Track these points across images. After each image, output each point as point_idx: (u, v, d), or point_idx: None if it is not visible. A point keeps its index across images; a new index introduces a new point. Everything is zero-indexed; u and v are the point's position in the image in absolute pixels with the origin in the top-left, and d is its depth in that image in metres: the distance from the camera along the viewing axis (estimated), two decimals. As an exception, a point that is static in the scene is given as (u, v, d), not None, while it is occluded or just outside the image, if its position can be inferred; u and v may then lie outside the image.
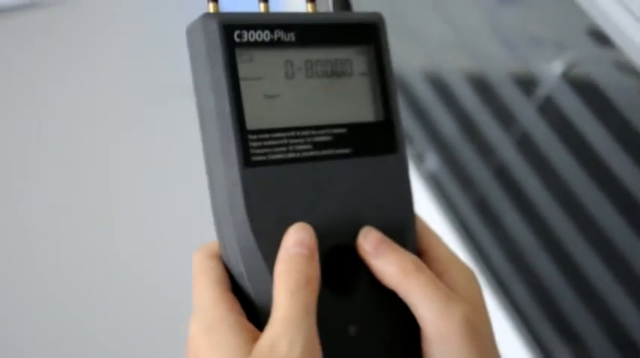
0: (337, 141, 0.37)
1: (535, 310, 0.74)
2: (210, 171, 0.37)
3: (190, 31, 0.36)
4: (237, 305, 0.35)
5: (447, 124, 0.83)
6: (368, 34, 0.38)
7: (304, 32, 0.37)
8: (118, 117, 1.00)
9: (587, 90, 0.68)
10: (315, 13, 0.38)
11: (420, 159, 0.87)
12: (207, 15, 0.35)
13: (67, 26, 1.09)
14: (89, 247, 0.87)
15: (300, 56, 0.37)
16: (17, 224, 0.88)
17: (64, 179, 0.92)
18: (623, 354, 0.67)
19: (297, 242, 0.34)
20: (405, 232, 0.37)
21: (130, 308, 0.83)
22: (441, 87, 0.84)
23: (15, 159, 0.93)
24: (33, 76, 1.02)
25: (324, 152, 0.36)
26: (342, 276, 0.36)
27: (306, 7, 0.39)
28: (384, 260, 0.36)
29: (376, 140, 0.38)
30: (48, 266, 0.85)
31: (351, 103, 0.38)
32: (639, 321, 0.65)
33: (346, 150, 0.37)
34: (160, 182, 0.95)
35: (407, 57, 0.87)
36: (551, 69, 0.71)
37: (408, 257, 0.36)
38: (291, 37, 0.36)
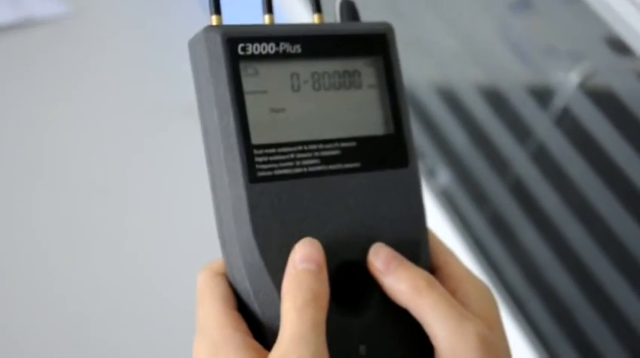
0: (346, 156, 0.37)
1: (552, 328, 0.73)
2: (214, 188, 0.37)
3: (193, 45, 0.36)
4: (243, 325, 0.35)
5: (459, 138, 0.83)
6: (377, 45, 0.38)
7: (310, 44, 0.37)
8: (120, 135, 1.01)
9: (605, 100, 0.68)
10: (321, 24, 0.39)
11: (431, 175, 0.87)
12: (209, 27, 0.36)
13: (63, 43, 1.10)
14: (94, 263, 0.87)
15: (306, 68, 0.37)
16: (26, 241, 0.89)
17: (67, 196, 0.93)
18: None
19: (304, 257, 0.34)
20: (417, 248, 0.37)
21: (134, 326, 0.83)
22: (452, 100, 0.84)
23: (19, 176, 0.94)
24: (32, 95, 1.03)
25: (332, 166, 0.37)
26: (352, 294, 0.36)
27: (313, 18, 0.39)
28: (396, 277, 0.35)
29: (386, 153, 0.38)
30: (60, 282, 0.85)
31: (359, 116, 0.38)
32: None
33: (355, 165, 0.37)
34: (162, 200, 0.95)
35: (417, 69, 0.88)
36: (568, 79, 0.71)
37: (420, 274, 0.36)
38: (297, 48, 0.37)
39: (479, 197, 0.81)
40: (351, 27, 0.38)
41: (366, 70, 0.38)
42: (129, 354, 0.81)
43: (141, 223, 0.93)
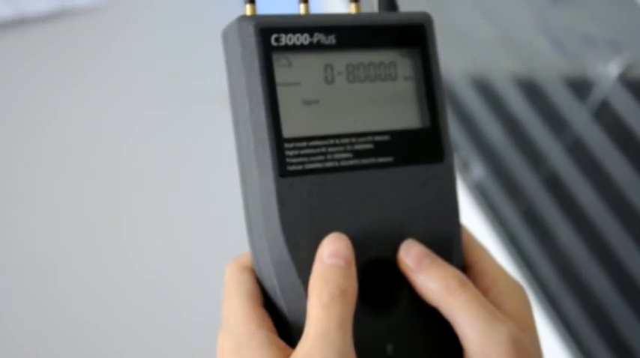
0: (379, 150, 0.37)
1: (587, 327, 0.72)
2: (244, 181, 0.37)
3: (226, 35, 0.36)
4: (268, 322, 0.35)
5: (494, 131, 0.82)
6: (414, 36, 0.38)
7: (345, 34, 0.37)
8: (149, 125, 1.02)
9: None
10: (357, 14, 0.38)
11: (465, 168, 0.86)
12: (243, 17, 0.36)
13: (96, 34, 1.11)
14: (110, 256, 0.88)
15: (341, 60, 0.37)
16: (42, 234, 0.89)
17: (92, 185, 0.94)
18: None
19: (332, 253, 0.34)
20: (450, 245, 0.37)
21: (150, 322, 0.84)
22: (487, 91, 0.83)
23: (40, 166, 0.95)
24: (61, 86, 1.03)
25: (364, 161, 0.36)
26: (380, 292, 0.36)
27: (349, 7, 0.39)
28: (427, 275, 0.35)
29: (421, 148, 0.37)
30: (75, 275, 0.86)
31: (394, 109, 0.37)
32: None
33: (389, 159, 0.37)
34: (190, 191, 0.96)
35: (451, 60, 0.87)
36: (607, 71, 0.70)
37: (452, 272, 0.35)
38: (331, 39, 0.36)
39: (513, 191, 0.80)
40: (389, 17, 0.38)
41: (402, 61, 0.38)
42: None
43: (166, 214, 0.93)
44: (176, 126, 1.02)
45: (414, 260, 0.35)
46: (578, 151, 0.73)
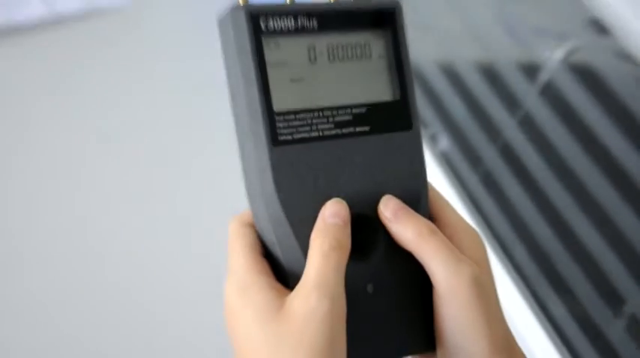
0: (357, 120, 0.35)
1: (533, 269, 0.72)
2: (242, 150, 0.35)
3: (221, 22, 0.35)
4: (267, 268, 0.34)
5: (458, 108, 0.81)
6: (386, 20, 0.36)
7: (326, 19, 0.35)
8: (168, 116, 0.94)
9: (585, 75, 0.66)
10: (336, 2, 0.37)
11: (433, 140, 0.85)
12: (236, 6, 0.34)
13: (123, 32, 1.02)
14: (111, 237, 0.82)
15: (322, 41, 0.35)
16: (36, 218, 0.82)
17: (128, 168, 0.88)
18: (608, 304, 0.65)
19: (332, 213, 0.33)
20: (419, 200, 0.36)
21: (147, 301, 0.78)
22: (452, 75, 0.82)
23: (52, 158, 0.87)
24: (87, 84, 0.95)
25: (344, 130, 0.35)
26: (362, 241, 0.35)
27: (329, -4, 0.37)
28: (403, 225, 0.34)
29: (393, 118, 0.36)
30: (71, 257, 0.80)
31: (369, 84, 0.36)
32: (623, 277, 0.63)
33: (365, 128, 0.35)
34: (191, 168, 0.89)
35: (421, 48, 0.85)
36: (553, 56, 0.69)
37: (424, 222, 0.34)
38: (313, 23, 0.35)
39: (473, 159, 0.79)
40: (363, 4, 0.36)
41: (376, 42, 0.36)
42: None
43: (170, 190, 0.86)
44: (200, 114, 0.92)
45: (392, 212, 0.35)
46: (528, 125, 0.72)
